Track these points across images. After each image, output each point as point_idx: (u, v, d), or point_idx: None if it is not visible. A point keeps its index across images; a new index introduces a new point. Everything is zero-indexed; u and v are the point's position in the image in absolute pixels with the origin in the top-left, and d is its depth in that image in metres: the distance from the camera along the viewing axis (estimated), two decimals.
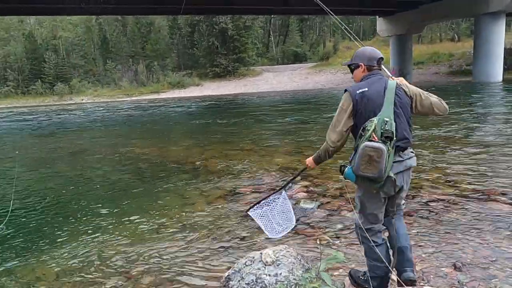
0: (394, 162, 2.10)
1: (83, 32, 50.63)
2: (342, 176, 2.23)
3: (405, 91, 2.23)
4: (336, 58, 45.30)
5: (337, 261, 1.93)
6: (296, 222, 2.97)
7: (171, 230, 4.00)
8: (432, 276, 2.71)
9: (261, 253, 2.44)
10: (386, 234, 2.39)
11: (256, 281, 2.26)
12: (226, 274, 2.46)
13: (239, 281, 2.33)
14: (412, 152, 2.26)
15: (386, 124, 2.04)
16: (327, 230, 3.72)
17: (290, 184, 4.22)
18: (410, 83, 2.38)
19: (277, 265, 2.32)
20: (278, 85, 36.02)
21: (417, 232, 3.47)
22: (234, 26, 40.91)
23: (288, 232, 2.88)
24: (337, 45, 49.18)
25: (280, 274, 2.26)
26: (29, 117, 23.48)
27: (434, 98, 2.29)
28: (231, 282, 2.39)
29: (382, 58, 2.32)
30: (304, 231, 3.74)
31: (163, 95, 36.45)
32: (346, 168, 2.17)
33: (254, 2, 24.19)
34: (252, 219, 3.02)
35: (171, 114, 19.31)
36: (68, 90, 41.82)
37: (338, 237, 3.53)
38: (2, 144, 12.55)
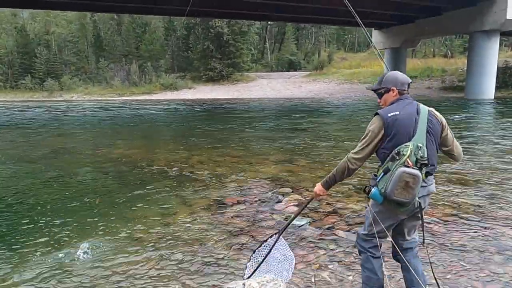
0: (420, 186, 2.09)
1: (76, 29, 49.87)
2: (366, 196, 2.19)
3: (436, 117, 2.21)
4: (330, 68, 45.37)
5: None
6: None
7: (146, 245, 3.59)
8: None
9: (243, 284, 2.06)
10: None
11: None
12: None
13: None
14: (433, 178, 2.24)
15: (419, 150, 2.05)
16: (319, 251, 3.35)
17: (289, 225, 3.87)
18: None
19: None
20: (271, 92, 35.80)
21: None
22: (230, 30, 40.70)
23: None
24: (332, 55, 49.30)
25: None
26: (16, 112, 22.81)
27: (456, 141, 2.31)
28: None
29: (410, 83, 2.33)
30: (294, 252, 3.36)
31: (155, 96, 35.93)
32: (373, 189, 2.12)
33: (253, 7, 23.95)
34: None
35: (160, 116, 18.87)
36: (58, 86, 41.02)
37: (331, 260, 3.17)
38: None
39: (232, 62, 41.72)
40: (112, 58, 44.74)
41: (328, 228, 3.85)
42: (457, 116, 14.40)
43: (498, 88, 26.52)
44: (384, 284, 2.34)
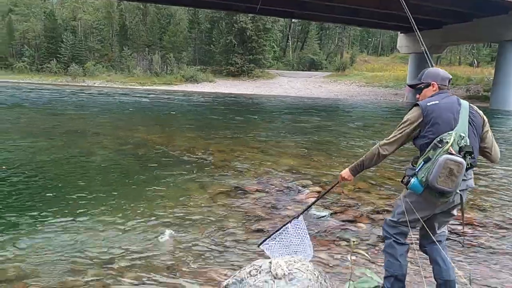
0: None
1: (103, 17, 50.60)
2: (405, 187, 2.14)
3: (477, 111, 2.16)
4: (352, 70, 44.84)
5: (370, 286, 1.49)
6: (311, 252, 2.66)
7: (164, 224, 3.57)
8: None
9: (270, 263, 2.00)
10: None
11: None
12: (225, 283, 2.02)
13: None
14: (472, 172, 2.16)
15: (462, 139, 1.99)
16: (341, 242, 3.27)
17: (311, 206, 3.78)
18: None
19: (289, 280, 1.88)
20: (291, 90, 35.59)
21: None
22: (254, 26, 40.61)
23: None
24: (354, 57, 48.69)
25: None
26: (42, 92, 23.27)
27: (494, 140, 2.25)
28: None
29: (451, 79, 2.31)
30: (317, 242, 3.29)
31: (175, 87, 36.18)
32: (413, 179, 2.06)
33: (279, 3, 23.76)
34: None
35: (180, 106, 18.96)
36: (81, 72, 41.72)
37: (354, 252, 3.08)
38: (19, 115, 12.24)
39: (253, 58, 41.65)
40: (136, 47, 45.22)
41: (349, 221, 3.77)
42: None
43: None
44: (416, 274, 2.25)
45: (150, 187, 4.70)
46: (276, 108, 20.43)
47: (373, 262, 2.84)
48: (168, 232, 3.34)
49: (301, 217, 2.72)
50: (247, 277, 1.96)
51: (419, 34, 3.35)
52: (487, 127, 2.17)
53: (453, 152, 1.95)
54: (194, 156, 6.57)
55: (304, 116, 15.57)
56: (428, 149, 2.03)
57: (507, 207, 4.39)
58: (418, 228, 2.29)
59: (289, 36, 54.61)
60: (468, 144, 1.99)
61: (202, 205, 4.10)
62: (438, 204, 2.09)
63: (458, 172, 1.92)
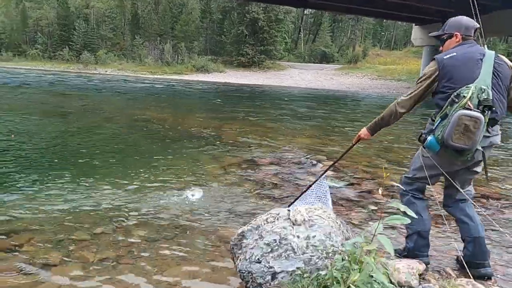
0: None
1: (115, 5, 50.61)
2: (422, 145, 2.00)
3: (506, 62, 1.95)
4: (364, 63, 44.24)
5: (402, 222, 1.37)
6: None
7: (177, 189, 3.49)
8: (499, 276, 2.12)
9: (288, 210, 1.88)
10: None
11: (279, 242, 1.71)
12: (240, 230, 1.91)
13: (256, 240, 1.79)
14: (499, 128, 1.99)
15: (483, 92, 1.81)
16: (359, 210, 3.14)
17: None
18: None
19: (310, 226, 1.76)
20: (302, 82, 35.26)
21: None
22: (266, 17, 40.19)
23: None
24: (367, 50, 48.00)
25: (314, 237, 1.70)
26: (59, 78, 23.40)
27: None
28: (245, 241, 1.85)
29: (478, 29, 2.08)
30: (335, 208, 3.15)
31: (186, 77, 36.07)
32: (429, 137, 1.92)
33: None
34: None
35: (191, 93, 18.87)
36: (93, 60, 41.82)
37: (372, 219, 2.95)
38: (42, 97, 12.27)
39: (265, 49, 41.27)
40: (147, 36, 45.16)
41: (367, 192, 3.63)
42: None
43: None
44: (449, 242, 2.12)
45: (163, 157, 4.63)
46: (287, 97, 20.23)
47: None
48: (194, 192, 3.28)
49: (323, 177, 2.60)
50: (264, 223, 1.85)
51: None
52: None
53: (471, 106, 1.78)
54: (206, 133, 6.48)
55: (315, 105, 15.37)
56: (446, 105, 1.87)
57: None
58: (434, 184, 2.15)
59: (301, 28, 54.05)
60: (490, 97, 1.80)
61: (214, 173, 4.01)
62: (457, 162, 1.94)
63: (475, 128, 1.76)
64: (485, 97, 1.79)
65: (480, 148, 1.86)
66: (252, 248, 1.77)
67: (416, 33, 32.48)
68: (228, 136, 6.37)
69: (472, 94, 1.80)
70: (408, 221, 1.38)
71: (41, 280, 2.04)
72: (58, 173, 3.79)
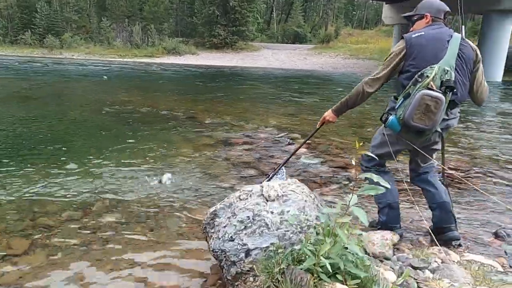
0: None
1: None
2: (383, 125, 2.00)
3: (470, 45, 1.96)
4: (337, 42, 44.39)
5: (377, 192, 1.34)
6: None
7: (148, 171, 3.39)
8: (470, 244, 2.16)
9: (262, 186, 1.83)
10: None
11: (253, 219, 1.66)
12: (212, 209, 1.85)
13: (228, 217, 1.74)
14: (459, 112, 2.01)
15: (446, 73, 1.81)
16: (333, 185, 3.15)
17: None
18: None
19: (284, 202, 1.73)
20: (276, 62, 35.10)
21: None
22: None
23: None
24: (339, 30, 48.12)
25: (288, 212, 1.67)
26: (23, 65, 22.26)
27: (485, 82, 2.08)
28: (217, 219, 1.79)
29: (449, 12, 2.08)
30: (309, 183, 3.15)
31: (157, 60, 35.14)
32: (391, 117, 1.92)
33: None
34: None
35: (164, 76, 18.42)
36: (58, 44, 40.01)
37: (346, 193, 2.96)
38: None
39: (237, 29, 40.64)
40: (115, 18, 43.51)
41: (341, 167, 3.64)
42: None
43: (506, 71, 26.03)
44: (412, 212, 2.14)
45: (134, 141, 4.49)
46: (261, 78, 20.09)
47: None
48: (161, 177, 3.17)
49: (283, 169, 2.56)
50: (237, 201, 1.80)
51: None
52: (479, 63, 2.00)
53: (434, 87, 1.78)
54: (178, 115, 6.34)
55: (289, 85, 15.33)
56: (409, 84, 1.87)
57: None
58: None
59: (273, 8, 53.49)
60: (452, 78, 1.81)
61: (187, 155, 3.92)
62: (416, 142, 1.96)
63: (436, 109, 1.77)
64: (448, 78, 1.80)
65: (439, 129, 1.88)
66: (225, 227, 1.72)
67: (387, 12, 32.77)
68: (201, 117, 6.25)
69: (435, 74, 1.80)
70: (382, 190, 1.36)
71: (4, 270, 1.93)
72: (23, 159, 3.61)
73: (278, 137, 4.83)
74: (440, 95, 1.77)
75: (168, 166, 3.50)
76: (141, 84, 13.05)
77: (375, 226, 2.25)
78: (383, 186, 1.35)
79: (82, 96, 8.60)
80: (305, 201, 1.75)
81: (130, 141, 4.45)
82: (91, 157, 3.74)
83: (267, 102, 8.73)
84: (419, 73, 1.84)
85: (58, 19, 43.62)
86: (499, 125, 6.80)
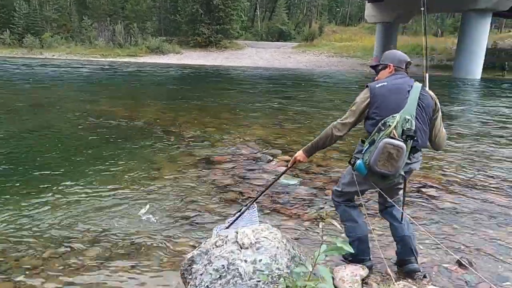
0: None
1: None
2: (352, 168, 2.14)
3: (430, 95, 2.12)
4: (321, 40, 44.67)
5: (340, 253, 1.45)
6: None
7: (130, 197, 3.44)
8: (434, 273, 2.31)
9: (236, 232, 1.93)
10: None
11: (227, 268, 1.76)
12: (190, 255, 1.94)
13: (205, 265, 1.83)
14: (420, 155, 2.16)
15: (407, 122, 1.95)
16: (310, 209, 3.26)
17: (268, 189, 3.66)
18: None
19: (257, 249, 1.83)
20: (260, 61, 35.16)
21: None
22: None
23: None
24: (323, 27, 48.41)
25: (260, 261, 1.77)
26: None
27: (444, 129, 2.23)
28: (195, 266, 1.88)
29: (410, 63, 2.26)
30: (287, 209, 3.26)
31: (140, 59, 34.81)
32: (358, 161, 2.05)
33: None
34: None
35: (147, 78, 18.30)
36: (38, 43, 39.22)
37: (323, 219, 3.08)
38: None
39: (221, 28, 40.50)
40: (96, 17, 42.84)
41: (319, 188, 3.76)
42: None
43: (484, 69, 26.68)
44: (373, 241, 2.26)
45: (116, 161, 4.51)
46: (245, 79, 20.15)
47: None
48: (143, 208, 3.22)
49: (254, 205, 2.60)
50: (213, 248, 1.89)
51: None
52: (438, 112, 2.15)
53: (396, 135, 1.92)
54: (161, 128, 6.37)
55: (273, 87, 15.44)
56: (374, 131, 2.01)
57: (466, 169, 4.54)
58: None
59: (257, 5, 53.43)
60: (413, 127, 1.95)
61: (171, 178, 3.98)
62: (380, 185, 2.12)
63: (398, 156, 1.90)
64: (408, 127, 1.93)
65: (402, 173, 2.02)
66: (201, 274, 1.81)
67: (369, 10, 33.13)
68: (184, 130, 6.30)
69: (397, 123, 1.93)
70: (346, 251, 1.46)
71: None
72: None
73: (260, 154, 4.93)
74: (401, 143, 1.90)
75: (149, 192, 3.55)
76: (123, 89, 12.99)
77: (347, 258, 2.38)
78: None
79: (60, 107, 8.51)
80: (277, 247, 1.85)
81: (109, 161, 4.47)
82: (68, 182, 3.74)
83: (250, 110, 8.82)
84: (382, 121, 1.98)
85: (37, 18, 42.74)
86: (475, 132, 7.04)
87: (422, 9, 2.82)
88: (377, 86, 2.09)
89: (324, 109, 9.52)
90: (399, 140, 1.91)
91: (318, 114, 8.52)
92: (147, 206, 3.23)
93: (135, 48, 38.25)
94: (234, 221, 2.52)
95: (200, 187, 3.73)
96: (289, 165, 2.52)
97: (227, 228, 2.52)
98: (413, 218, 3.12)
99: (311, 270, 1.43)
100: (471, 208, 3.38)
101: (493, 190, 3.84)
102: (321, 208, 3.28)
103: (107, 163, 4.41)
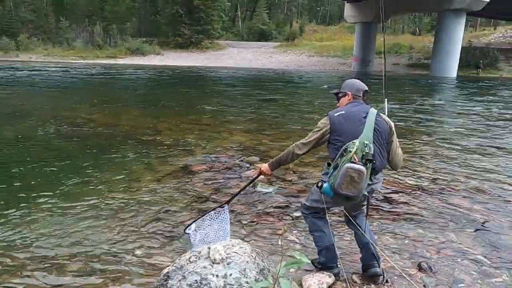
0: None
1: None
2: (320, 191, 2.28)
3: (384, 120, 2.31)
4: (302, 40, 45.08)
5: (299, 266, 1.59)
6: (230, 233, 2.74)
7: (108, 210, 3.51)
8: (396, 278, 2.48)
9: (209, 248, 2.05)
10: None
11: (200, 283, 1.87)
12: (165, 270, 2.05)
13: (179, 280, 1.94)
14: (382, 176, 2.37)
15: (366, 147, 2.13)
16: (286, 217, 3.41)
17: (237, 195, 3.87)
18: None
19: (227, 264, 1.95)
20: (242, 61, 35.29)
21: (379, 228, 3.24)
22: None
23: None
24: (304, 27, 48.86)
25: (230, 275, 1.89)
26: None
27: (400, 150, 2.39)
28: (170, 281, 1.99)
29: (367, 91, 2.46)
30: (262, 218, 3.40)
31: (120, 61, 34.45)
32: (325, 184, 2.21)
33: None
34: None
35: (126, 81, 18.18)
36: (14, 45, 38.29)
37: (296, 226, 3.23)
38: None
39: (202, 28, 40.43)
40: (74, 18, 42.15)
41: (294, 196, 3.91)
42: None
43: (460, 67, 27.47)
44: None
45: (93, 171, 4.55)
46: (226, 81, 20.23)
47: (304, 246, 2.97)
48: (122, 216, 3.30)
49: (226, 207, 2.76)
50: (187, 263, 2.00)
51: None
52: (393, 136, 2.34)
53: (356, 160, 2.10)
54: (141, 136, 6.42)
55: (254, 89, 15.59)
56: (337, 156, 2.20)
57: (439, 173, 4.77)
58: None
59: (238, 5, 53.49)
60: (371, 152, 2.13)
61: (149, 188, 4.06)
62: (345, 205, 2.35)
63: (359, 179, 2.08)
64: (367, 151, 2.12)
65: (365, 193, 2.20)
66: None
67: (348, 11, 33.62)
68: (164, 137, 6.37)
69: (357, 148, 2.12)
70: (304, 264, 1.60)
71: None
72: None
73: (238, 161, 5.05)
74: (362, 167, 2.09)
75: (127, 204, 3.63)
76: (102, 94, 12.91)
77: (316, 265, 2.54)
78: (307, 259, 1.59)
79: (35, 114, 8.42)
80: (247, 262, 1.98)
81: (86, 171, 4.52)
82: (43, 193, 3.77)
83: (230, 114, 8.94)
84: (344, 147, 2.17)
85: (12, 19, 41.70)
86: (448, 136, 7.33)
87: (382, 39, 2.98)
88: (335, 115, 2.30)
89: (304, 112, 9.72)
90: (360, 164, 2.09)
91: (297, 118, 8.71)
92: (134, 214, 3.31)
93: (115, 49, 37.80)
94: (204, 222, 2.71)
95: (179, 197, 3.82)
96: (254, 176, 2.72)
97: (196, 227, 2.71)
98: (380, 223, 3.31)
99: (272, 283, 1.56)
100: (436, 212, 3.59)
101: (457, 194, 4.06)
102: (297, 217, 3.41)
103: (84, 174, 4.45)
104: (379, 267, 2.42)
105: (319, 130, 2.32)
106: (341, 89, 2.50)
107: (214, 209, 2.80)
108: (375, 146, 2.19)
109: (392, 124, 2.35)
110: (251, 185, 4.01)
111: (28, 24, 43.11)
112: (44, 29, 43.15)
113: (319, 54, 38.95)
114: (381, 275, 2.42)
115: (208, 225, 2.70)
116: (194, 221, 2.82)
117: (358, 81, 2.51)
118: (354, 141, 2.15)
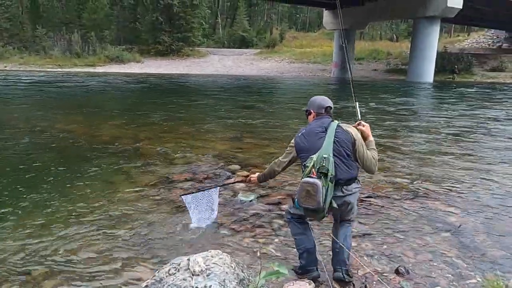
0: (335, 196, 2.28)
1: None
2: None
3: (346, 130, 2.40)
4: (282, 46, 45.51)
5: (278, 277, 1.61)
6: (217, 215, 3.46)
7: (87, 222, 3.45)
8: (374, 283, 2.52)
9: (188, 260, 2.04)
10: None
11: None
12: (144, 284, 2.03)
13: None
14: (356, 187, 2.41)
15: (323, 160, 2.22)
16: (266, 226, 3.42)
17: (227, 185, 4.28)
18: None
19: (207, 275, 1.95)
20: (223, 69, 35.31)
21: (358, 231, 3.29)
22: (180, 3, 39.14)
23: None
24: (284, 33, 49.36)
25: (210, 287, 1.89)
26: None
27: (371, 155, 2.44)
28: None
29: (330, 107, 2.57)
30: (242, 226, 3.40)
31: (99, 69, 33.94)
32: (296, 199, 2.34)
33: None
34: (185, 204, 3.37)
35: (106, 89, 17.93)
36: None
37: (277, 235, 3.25)
38: None
39: (182, 36, 40.32)
40: (51, 26, 41.41)
41: (275, 204, 3.93)
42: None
43: (436, 72, 28.21)
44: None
45: (73, 184, 4.47)
46: (207, 88, 20.20)
47: (285, 255, 2.99)
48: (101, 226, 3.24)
49: (217, 189, 3.43)
50: (166, 276, 1.99)
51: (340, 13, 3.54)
52: (358, 144, 2.39)
53: (314, 174, 2.20)
54: (121, 146, 6.34)
55: (235, 96, 15.62)
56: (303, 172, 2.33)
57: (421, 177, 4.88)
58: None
59: (218, 13, 53.66)
60: (327, 165, 2.21)
61: (129, 199, 4.01)
62: (316, 217, 2.39)
63: (315, 192, 2.16)
64: (323, 164, 2.21)
65: (335, 205, 2.26)
66: None
67: (327, 18, 34.19)
68: (144, 147, 6.31)
69: (313, 163, 2.23)
70: (283, 275, 1.63)
71: None
72: None
73: (219, 170, 5.05)
74: (315, 180, 2.17)
75: (108, 218, 3.58)
76: (81, 103, 12.69)
77: (297, 271, 2.57)
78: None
79: (12, 125, 8.23)
80: (226, 272, 1.98)
81: (65, 184, 4.44)
82: (20, 205, 3.70)
83: (210, 122, 8.93)
84: (304, 163, 2.32)
85: None
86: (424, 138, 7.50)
87: (343, 45, 3.17)
88: (298, 135, 2.48)
89: (284, 119, 9.80)
90: (314, 178, 2.18)
91: (278, 124, 8.77)
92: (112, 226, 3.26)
93: (94, 57, 37.26)
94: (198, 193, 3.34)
95: (159, 208, 3.79)
96: (243, 179, 3.06)
97: (192, 193, 3.35)
98: (357, 227, 3.36)
99: None
100: (413, 216, 3.67)
101: (433, 198, 4.17)
102: (279, 226, 3.43)
103: (62, 186, 4.37)
104: (343, 272, 2.43)
105: (289, 153, 2.54)
106: (307, 108, 2.63)
107: (208, 188, 3.36)
108: (335, 158, 2.27)
109: (355, 132, 2.43)
110: (232, 193, 4.06)
111: (3, 32, 42.12)
112: (20, 37, 42.25)
113: (299, 61, 39.37)
114: (343, 280, 2.43)
115: (200, 199, 3.27)
116: (191, 193, 3.35)
117: (320, 98, 2.62)
118: (311, 156, 2.26)
